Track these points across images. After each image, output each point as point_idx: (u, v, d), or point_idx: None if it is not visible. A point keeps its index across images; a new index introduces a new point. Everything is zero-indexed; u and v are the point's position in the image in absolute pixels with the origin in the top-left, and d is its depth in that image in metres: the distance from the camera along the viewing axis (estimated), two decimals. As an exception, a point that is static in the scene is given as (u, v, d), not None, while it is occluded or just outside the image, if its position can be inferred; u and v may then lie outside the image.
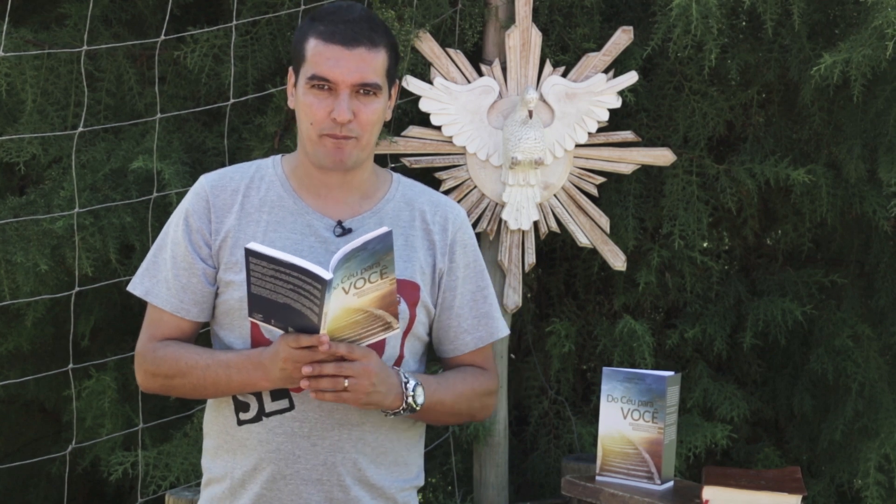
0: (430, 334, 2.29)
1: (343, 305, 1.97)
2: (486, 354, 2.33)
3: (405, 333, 2.20)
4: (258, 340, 2.16)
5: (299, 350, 2.00)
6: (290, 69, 2.24)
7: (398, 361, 2.20)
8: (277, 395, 2.15)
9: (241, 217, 2.19)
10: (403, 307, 2.17)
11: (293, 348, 2.01)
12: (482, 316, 2.30)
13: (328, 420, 2.15)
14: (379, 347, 2.14)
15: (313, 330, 1.97)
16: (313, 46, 2.15)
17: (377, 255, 1.96)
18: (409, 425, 2.24)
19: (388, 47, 2.18)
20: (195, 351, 2.18)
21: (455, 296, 2.27)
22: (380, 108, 2.18)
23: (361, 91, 2.14)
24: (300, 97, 2.17)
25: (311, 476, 2.15)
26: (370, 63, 2.14)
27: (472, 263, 2.29)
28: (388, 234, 1.96)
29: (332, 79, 2.13)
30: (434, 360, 2.41)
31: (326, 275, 1.91)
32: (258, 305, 2.00)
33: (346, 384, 2.03)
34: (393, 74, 2.22)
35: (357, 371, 2.03)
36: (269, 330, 2.10)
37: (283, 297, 1.96)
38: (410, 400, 2.12)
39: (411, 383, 2.13)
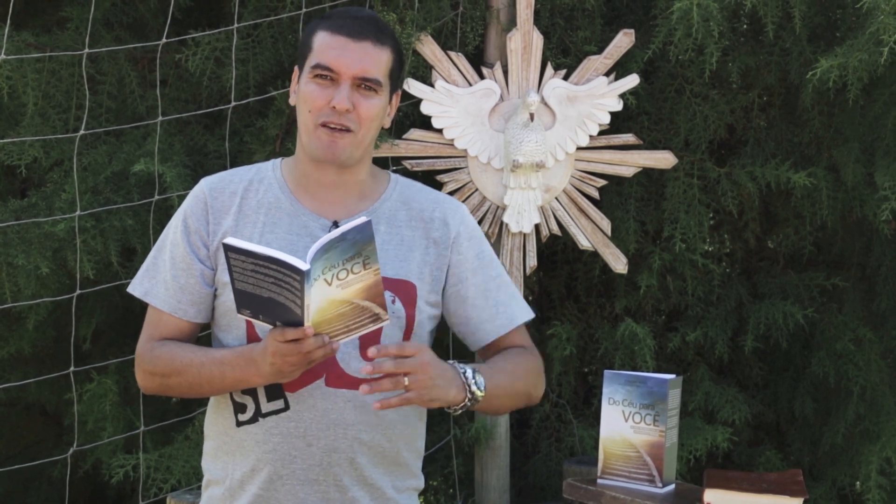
0: (433, 332, 2.28)
1: (327, 297, 1.96)
2: (518, 336, 2.30)
3: (407, 335, 2.20)
4: (253, 341, 2.16)
5: (286, 344, 2.00)
6: (296, 67, 2.24)
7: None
8: (273, 395, 2.15)
9: (239, 218, 2.21)
10: (399, 307, 2.17)
11: (280, 342, 2.01)
12: (499, 304, 2.29)
13: (323, 420, 2.15)
14: (375, 343, 2.15)
15: (299, 323, 1.97)
16: (320, 38, 2.17)
17: (357, 245, 1.95)
18: (406, 424, 2.23)
19: (393, 49, 2.20)
20: (190, 349, 2.19)
21: (468, 287, 2.26)
22: (379, 106, 2.18)
23: (363, 86, 2.16)
24: (302, 88, 2.18)
25: (308, 476, 2.15)
26: (374, 57, 2.15)
27: (479, 254, 2.29)
28: (368, 224, 1.95)
29: (336, 68, 2.14)
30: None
31: (303, 265, 1.91)
32: (244, 301, 2.00)
33: (406, 382, 2.00)
34: (395, 79, 2.22)
35: (414, 366, 2.00)
36: (262, 328, 2.10)
37: (266, 292, 1.96)
38: (474, 388, 2.08)
39: (469, 371, 2.09)
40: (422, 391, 2.02)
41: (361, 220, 1.96)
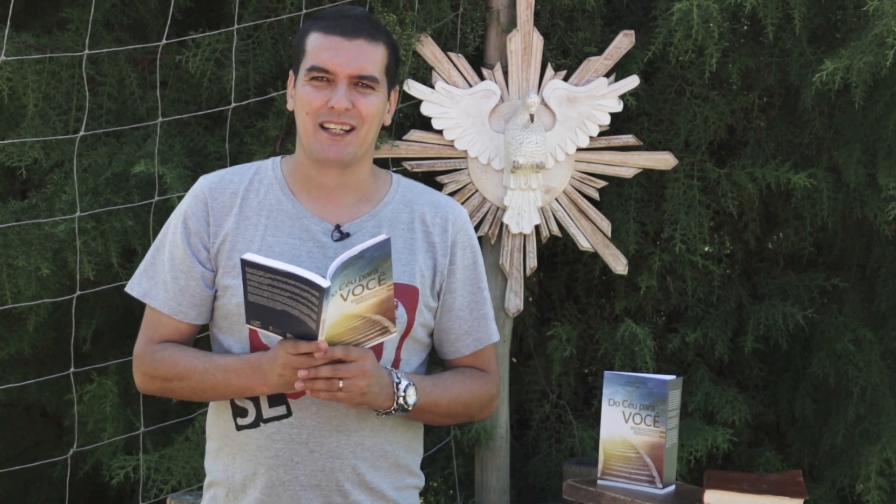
0: (431, 336, 2.28)
1: (341, 312, 1.97)
2: (487, 356, 2.33)
3: (402, 337, 2.19)
4: (256, 345, 2.15)
5: (297, 356, 2.00)
6: (291, 72, 2.24)
7: (395, 365, 2.19)
8: (275, 401, 2.14)
9: (240, 220, 2.18)
10: (401, 311, 2.17)
11: (291, 354, 2.00)
12: (481, 318, 2.30)
13: (326, 426, 2.14)
14: (377, 351, 2.14)
15: (311, 336, 1.97)
16: (313, 40, 2.16)
17: (375, 262, 1.96)
18: (407, 427, 2.24)
19: (387, 45, 2.18)
20: (194, 354, 2.18)
21: (455, 298, 2.26)
22: (378, 103, 2.16)
23: (360, 84, 2.14)
24: (298, 91, 2.17)
25: (310, 482, 2.15)
26: (369, 55, 2.14)
27: (471, 265, 2.28)
28: (387, 242, 1.96)
29: (331, 69, 2.12)
30: (436, 363, 2.41)
31: (324, 283, 1.91)
32: (255, 313, 2.00)
33: (340, 385, 2.03)
34: (392, 75, 2.21)
35: (353, 372, 2.03)
36: (268, 335, 2.09)
37: (280, 305, 1.96)
38: (402, 400, 2.12)
39: (403, 383, 2.12)
40: (353, 395, 2.06)
41: (381, 237, 1.96)
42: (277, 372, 2.04)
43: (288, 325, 1.99)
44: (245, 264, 1.96)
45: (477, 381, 2.28)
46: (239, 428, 2.17)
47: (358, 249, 1.95)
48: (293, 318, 1.97)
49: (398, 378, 2.12)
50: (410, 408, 2.13)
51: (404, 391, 2.12)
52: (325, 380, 2.02)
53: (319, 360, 2.00)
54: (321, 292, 1.91)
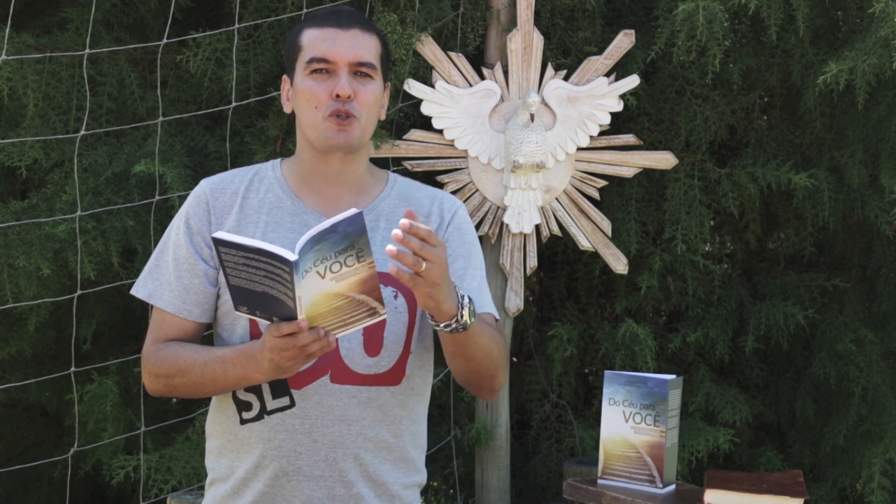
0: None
1: (321, 291, 1.94)
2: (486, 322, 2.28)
3: (410, 330, 2.20)
4: (256, 339, 2.16)
5: (282, 338, 1.99)
6: (285, 76, 2.26)
7: (404, 356, 2.19)
8: (278, 392, 2.16)
9: (241, 218, 2.22)
10: (402, 302, 2.17)
11: (276, 337, 2.00)
12: (472, 290, 2.25)
13: (328, 416, 2.15)
14: (380, 343, 2.14)
15: (293, 317, 1.96)
16: (309, 35, 2.21)
17: (350, 237, 1.92)
18: (412, 420, 2.24)
19: (379, 37, 2.25)
20: (193, 349, 2.20)
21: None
22: (377, 91, 2.20)
23: (358, 72, 2.18)
24: (299, 86, 2.20)
25: (314, 472, 2.16)
26: (365, 43, 2.19)
27: (464, 243, 2.28)
28: (359, 216, 1.93)
29: (331, 58, 2.17)
30: (438, 363, 2.40)
31: (291, 256, 1.89)
32: (240, 297, 1.99)
33: (423, 267, 1.95)
34: (386, 66, 2.25)
35: (433, 256, 1.95)
36: (264, 325, 2.09)
37: (260, 286, 1.95)
38: (466, 312, 2.05)
39: (467, 299, 2.07)
40: (429, 284, 1.97)
41: (352, 211, 1.94)
42: (267, 357, 2.04)
43: (272, 308, 1.97)
44: (217, 243, 1.95)
45: (499, 335, 2.25)
46: (243, 422, 2.18)
47: (329, 223, 1.91)
48: (274, 300, 1.95)
49: (463, 293, 2.08)
50: (470, 324, 2.07)
51: (469, 306, 2.06)
52: (413, 256, 1.93)
53: (304, 340, 1.98)
54: (290, 266, 1.89)
